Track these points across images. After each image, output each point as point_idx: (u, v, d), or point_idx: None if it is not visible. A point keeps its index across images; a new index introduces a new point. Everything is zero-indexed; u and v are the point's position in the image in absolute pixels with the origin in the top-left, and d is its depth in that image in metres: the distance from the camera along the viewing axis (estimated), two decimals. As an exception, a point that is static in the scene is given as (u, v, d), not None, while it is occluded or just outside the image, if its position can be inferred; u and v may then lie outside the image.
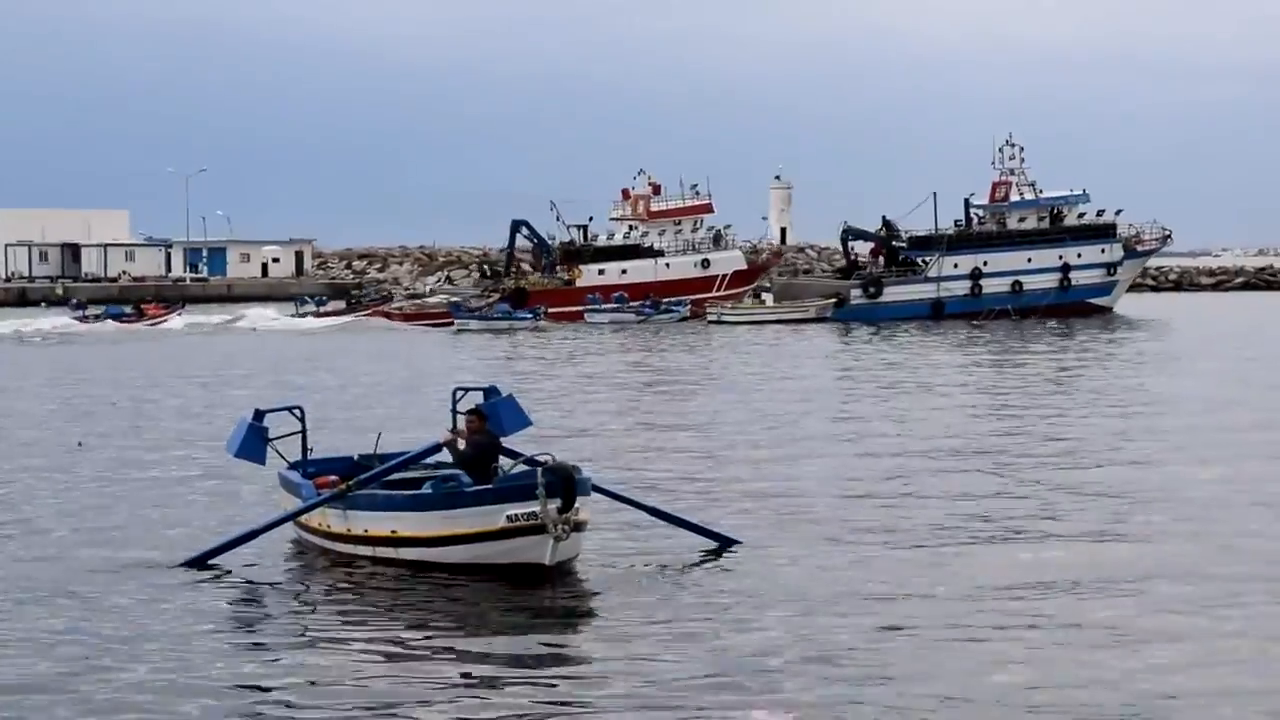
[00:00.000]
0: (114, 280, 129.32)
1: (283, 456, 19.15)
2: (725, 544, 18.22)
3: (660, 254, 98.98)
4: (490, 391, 19.09)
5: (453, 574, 16.51)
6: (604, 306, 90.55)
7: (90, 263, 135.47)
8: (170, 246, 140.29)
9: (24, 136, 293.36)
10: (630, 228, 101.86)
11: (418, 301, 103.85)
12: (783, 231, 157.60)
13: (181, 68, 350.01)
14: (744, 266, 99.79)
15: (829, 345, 65.36)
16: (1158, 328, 75.24)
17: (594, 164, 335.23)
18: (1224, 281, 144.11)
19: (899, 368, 50.07)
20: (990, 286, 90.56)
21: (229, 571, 17.24)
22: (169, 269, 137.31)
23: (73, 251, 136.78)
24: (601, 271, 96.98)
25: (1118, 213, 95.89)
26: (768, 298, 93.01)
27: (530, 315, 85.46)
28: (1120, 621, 14.45)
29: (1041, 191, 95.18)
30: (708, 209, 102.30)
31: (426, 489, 17.25)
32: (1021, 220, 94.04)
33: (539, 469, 16.15)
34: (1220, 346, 58.52)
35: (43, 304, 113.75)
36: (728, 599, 15.58)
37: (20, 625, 14.81)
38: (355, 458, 19.57)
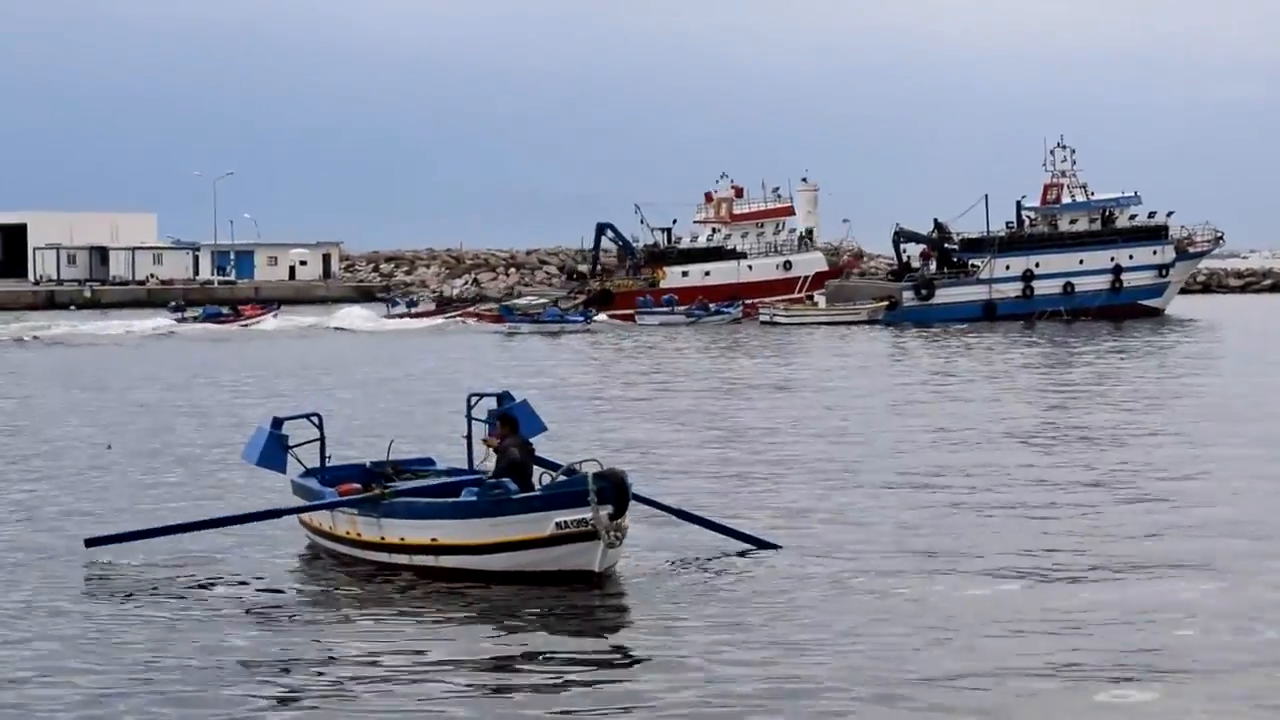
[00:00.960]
0: (141, 283, 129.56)
1: (302, 464, 19.00)
2: (763, 547, 18.09)
3: (743, 256, 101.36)
4: (503, 397, 19.12)
5: (495, 582, 16.35)
6: (655, 309, 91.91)
7: (118, 266, 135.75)
8: (198, 249, 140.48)
9: (51, 139, 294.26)
10: (713, 230, 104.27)
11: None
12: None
13: (208, 69, 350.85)
14: (825, 268, 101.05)
15: (877, 347, 65.53)
16: (1209, 329, 75.25)
17: (625, 162, 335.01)
18: (1252, 283, 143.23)
19: (952, 371, 50.08)
20: (1042, 288, 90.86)
21: (244, 583, 17.03)
22: (196, 272, 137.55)
23: (101, 254, 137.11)
24: (685, 273, 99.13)
25: (1169, 215, 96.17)
26: (820, 300, 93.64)
27: (582, 318, 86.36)
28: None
29: (1093, 193, 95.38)
30: (789, 211, 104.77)
31: (469, 496, 17.06)
32: (1073, 222, 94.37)
33: (589, 475, 15.99)
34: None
35: (71, 307, 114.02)
36: (770, 605, 15.42)
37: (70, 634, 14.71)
38: (367, 465, 19.47)
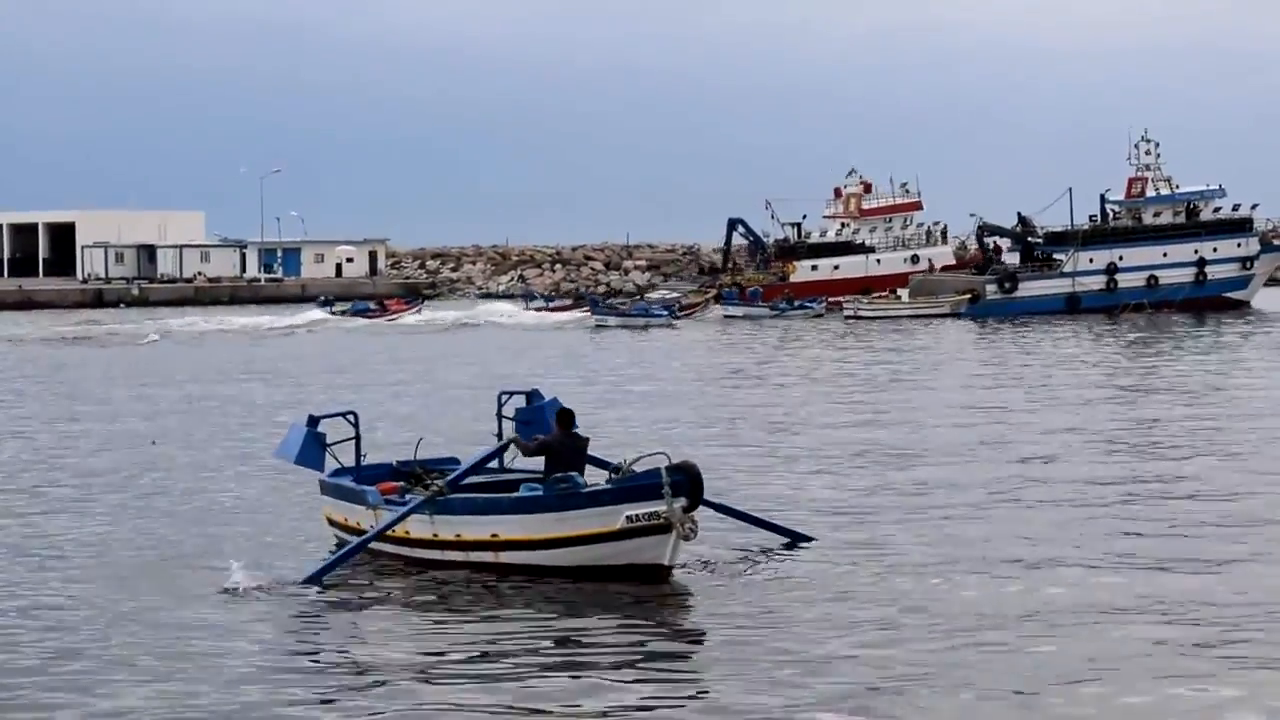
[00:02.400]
0: (189, 281, 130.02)
1: (339, 462, 18.98)
2: (799, 540, 18.19)
3: (871, 250, 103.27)
4: (533, 395, 19.12)
5: (558, 578, 16.25)
6: (738, 301, 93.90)
7: (166, 263, 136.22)
8: (245, 247, 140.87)
9: (99, 139, 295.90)
10: (842, 225, 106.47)
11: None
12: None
13: (255, 68, 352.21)
14: (953, 262, 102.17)
15: (963, 339, 65.96)
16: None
17: (670, 158, 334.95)
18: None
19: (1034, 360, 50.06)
20: (1125, 281, 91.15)
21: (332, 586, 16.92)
22: (244, 269, 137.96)
23: (149, 252, 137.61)
24: (815, 267, 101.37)
25: (1254, 207, 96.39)
26: (903, 293, 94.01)
27: (666, 313, 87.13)
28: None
29: (1178, 186, 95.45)
30: (917, 206, 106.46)
31: (532, 491, 16.96)
32: (1157, 215, 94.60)
33: (663, 468, 15.87)
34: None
35: (121, 305, 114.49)
36: (804, 597, 15.49)
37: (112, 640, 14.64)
38: (394, 464, 19.32)
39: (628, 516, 15.92)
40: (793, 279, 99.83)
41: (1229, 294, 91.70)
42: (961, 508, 20.88)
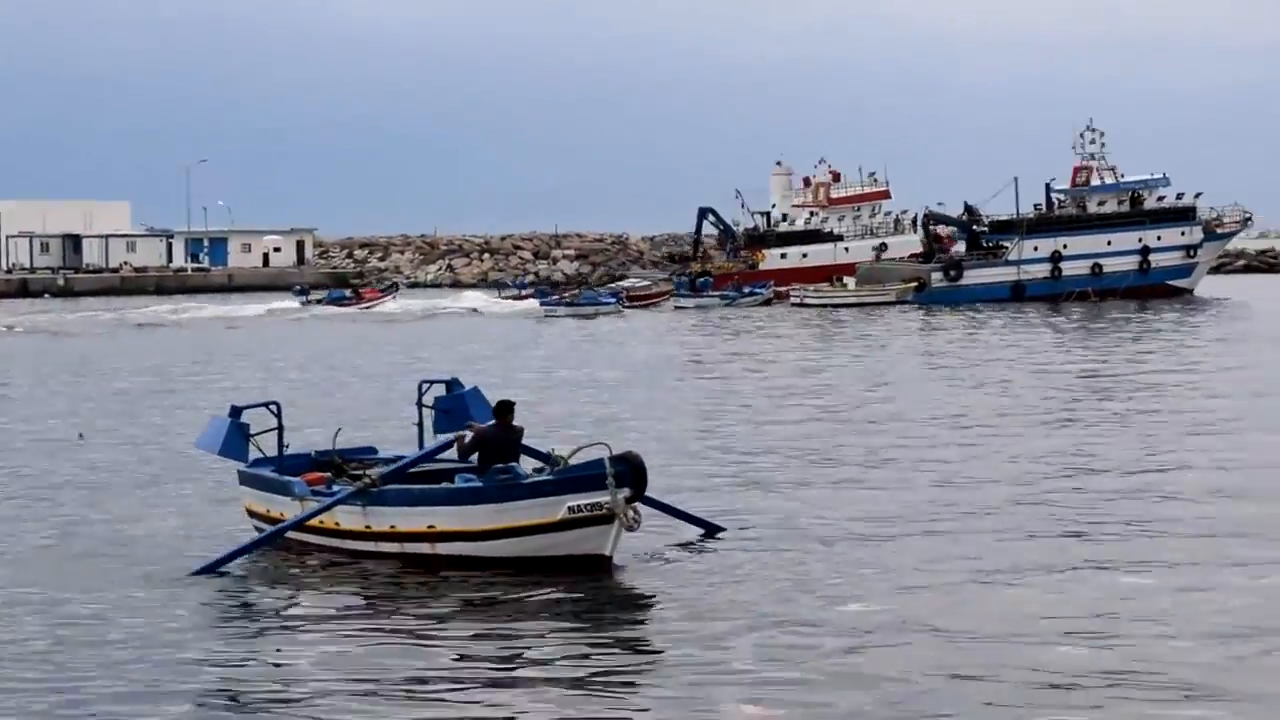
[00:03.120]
0: (115, 271, 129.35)
1: (262, 452, 18.80)
2: (711, 530, 18.44)
3: (839, 239, 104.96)
4: (452, 384, 19.01)
5: (495, 568, 16.26)
6: (688, 292, 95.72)
7: (91, 254, 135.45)
8: (172, 237, 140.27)
9: (24, 127, 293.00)
10: (811, 214, 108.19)
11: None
12: (783, 217, 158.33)
13: (181, 57, 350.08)
14: (919, 250, 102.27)
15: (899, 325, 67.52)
16: (1237, 309, 76.81)
17: (602, 152, 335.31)
18: (1225, 264, 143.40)
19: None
20: (1070, 269, 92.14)
21: (242, 576, 17.07)
22: (170, 259, 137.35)
23: (74, 242, 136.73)
24: (784, 255, 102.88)
25: (1197, 196, 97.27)
26: (850, 281, 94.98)
27: (613, 301, 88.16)
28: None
29: (1122, 176, 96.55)
30: (885, 195, 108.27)
31: (468, 481, 16.97)
32: (1101, 204, 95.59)
33: (606, 459, 15.87)
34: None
35: (45, 295, 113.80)
36: (714, 585, 15.76)
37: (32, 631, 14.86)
38: (313, 454, 19.12)
39: (570, 507, 15.90)
40: (762, 266, 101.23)
41: (1172, 282, 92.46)
42: (875, 485, 21.70)
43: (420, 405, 19.12)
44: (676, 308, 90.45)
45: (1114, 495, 20.96)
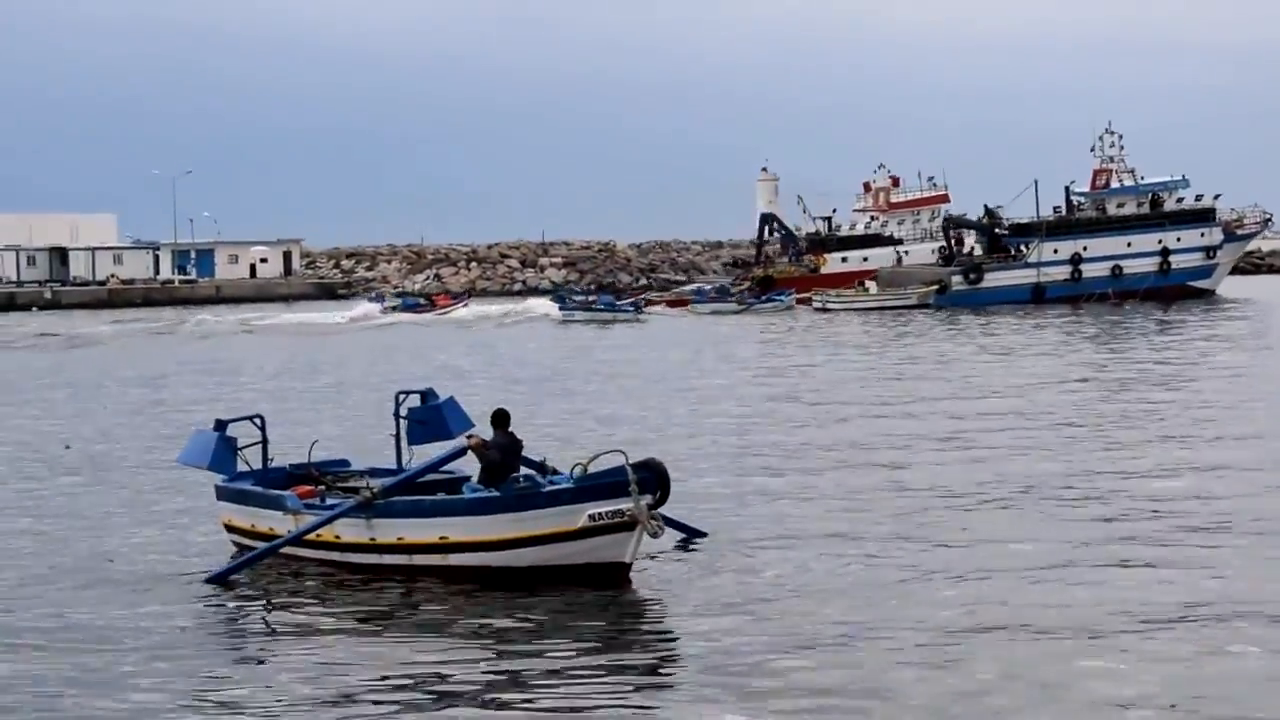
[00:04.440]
0: (102, 284, 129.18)
1: (249, 466, 18.76)
2: (693, 535, 18.49)
3: (899, 242, 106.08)
4: (428, 394, 18.94)
5: (511, 579, 16.24)
6: (707, 294, 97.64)
7: (78, 266, 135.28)
8: (158, 249, 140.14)
9: (10, 140, 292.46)
10: (871, 218, 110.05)
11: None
12: (771, 218, 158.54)
13: (166, 69, 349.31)
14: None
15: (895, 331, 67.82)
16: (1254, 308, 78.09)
17: (577, 155, 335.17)
18: (1262, 264, 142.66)
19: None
20: (1090, 271, 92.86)
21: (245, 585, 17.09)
22: (157, 271, 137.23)
23: (60, 255, 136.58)
24: (845, 259, 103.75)
25: (1216, 197, 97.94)
26: (872, 285, 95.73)
27: (631, 308, 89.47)
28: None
29: (1142, 178, 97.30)
30: (944, 199, 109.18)
31: (479, 492, 16.90)
32: (1120, 206, 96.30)
33: (628, 465, 15.83)
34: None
35: (33, 309, 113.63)
36: (704, 594, 15.88)
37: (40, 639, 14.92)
38: (288, 468, 19.06)
39: (590, 515, 15.89)
40: (823, 271, 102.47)
41: (1193, 283, 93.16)
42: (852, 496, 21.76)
43: (397, 416, 18.93)
44: (695, 314, 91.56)
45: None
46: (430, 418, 18.48)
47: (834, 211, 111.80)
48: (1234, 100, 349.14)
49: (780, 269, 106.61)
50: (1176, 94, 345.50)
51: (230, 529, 18.68)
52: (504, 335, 72.78)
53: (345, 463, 19.83)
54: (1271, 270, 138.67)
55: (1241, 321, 66.82)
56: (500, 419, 17.36)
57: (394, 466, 18.92)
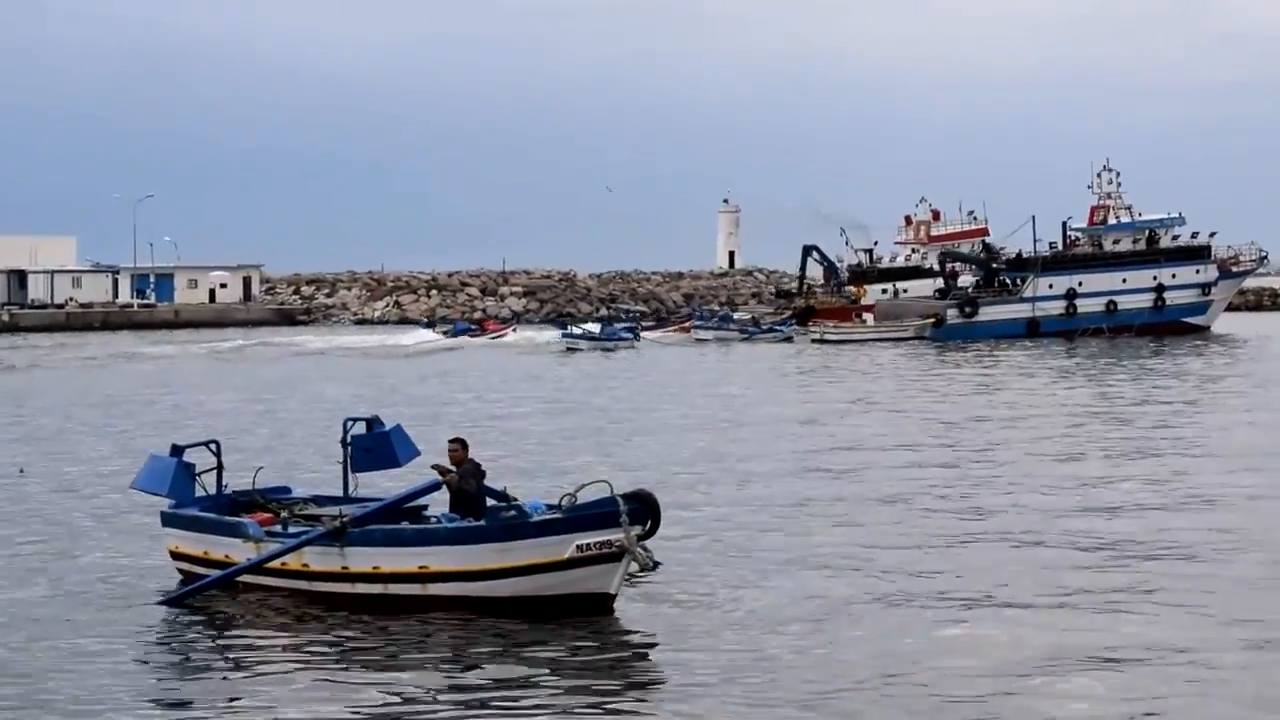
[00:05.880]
0: (61, 307, 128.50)
1: (206, 491, 18.47)
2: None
3: (939, 274, 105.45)
4: (373, 422, 18.83)
5: (486, 609, 16.12)
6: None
7: (37, 289, 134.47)
8: (118, 273, 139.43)
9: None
10: (912, 250, 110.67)
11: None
12: (731, 255, 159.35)
13: (127, 93, 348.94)
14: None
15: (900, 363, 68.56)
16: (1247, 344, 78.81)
17: (550, 187, 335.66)
18: (1258, 302, 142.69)
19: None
20: (1085, 306, 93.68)
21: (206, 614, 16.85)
22: (116, 295, 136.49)
23: (19, 278, 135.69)
24: (885, 290, 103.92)
25: (1212, 235, 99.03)
26: (869, 318, 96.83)
27: (630, 336, 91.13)
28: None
29: (1139, 214, 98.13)
30: (984, 232, 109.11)
31: (453, 522, 16.84)
32: (1116, 242, 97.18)
33: (618, 496, 15.81)
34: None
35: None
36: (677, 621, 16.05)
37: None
38: (231, 494, 18.78)
39: (578, 545, 15.81)
40: (864, 301, 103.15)
41: (1187, 319, 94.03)
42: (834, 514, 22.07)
43: (345, 443, 18.77)
44: (696, 340, 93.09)
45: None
46: (376, 445, 18.39)
47: (875, 244, 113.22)
48: (1230, 138, 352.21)
49: (822, 300, 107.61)
50: (1174, 131, 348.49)
51: (177, 556, 18.34)
52: (544, 363, 73.76)
53: (286, 490, 19.62)
54: (1275, 307, 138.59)
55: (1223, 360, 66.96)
56: (463, 446, 17.43)
57: (338, 494, 18.80)
